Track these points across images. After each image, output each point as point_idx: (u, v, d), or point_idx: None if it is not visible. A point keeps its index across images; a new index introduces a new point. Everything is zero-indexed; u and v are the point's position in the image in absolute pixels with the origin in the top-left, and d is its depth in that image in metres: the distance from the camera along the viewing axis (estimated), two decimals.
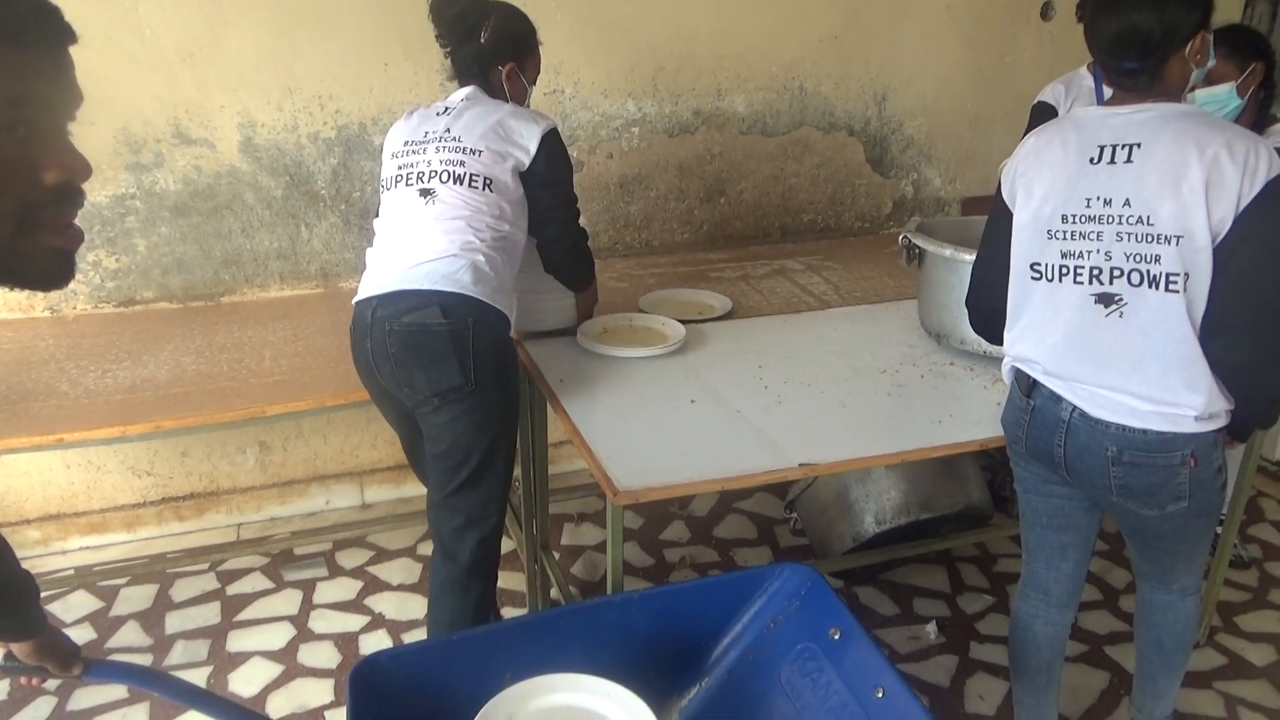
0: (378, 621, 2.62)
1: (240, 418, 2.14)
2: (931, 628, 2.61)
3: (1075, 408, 1.73)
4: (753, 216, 3.46)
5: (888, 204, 3.62)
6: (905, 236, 2.42)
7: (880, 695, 1.51)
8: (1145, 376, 1.63)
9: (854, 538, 2.59)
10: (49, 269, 0.78)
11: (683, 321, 2.51)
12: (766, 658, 1.73)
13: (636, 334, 2.46)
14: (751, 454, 1.88)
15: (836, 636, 1.64)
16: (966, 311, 2.02)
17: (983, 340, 2.29)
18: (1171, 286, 1.57)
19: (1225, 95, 2.24)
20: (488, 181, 2.00)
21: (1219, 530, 2.87)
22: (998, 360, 2.18)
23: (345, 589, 2.74)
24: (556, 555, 2.97)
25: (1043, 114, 2.60)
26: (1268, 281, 1.56)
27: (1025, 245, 1.76)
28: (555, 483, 3.20)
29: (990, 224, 1.87)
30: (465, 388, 1.91)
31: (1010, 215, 1.78)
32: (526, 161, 2.04)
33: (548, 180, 2.08)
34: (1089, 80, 2.59)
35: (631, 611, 1.75)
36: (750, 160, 3.38)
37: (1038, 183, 1.72)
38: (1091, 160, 1.65)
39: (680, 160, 3.29)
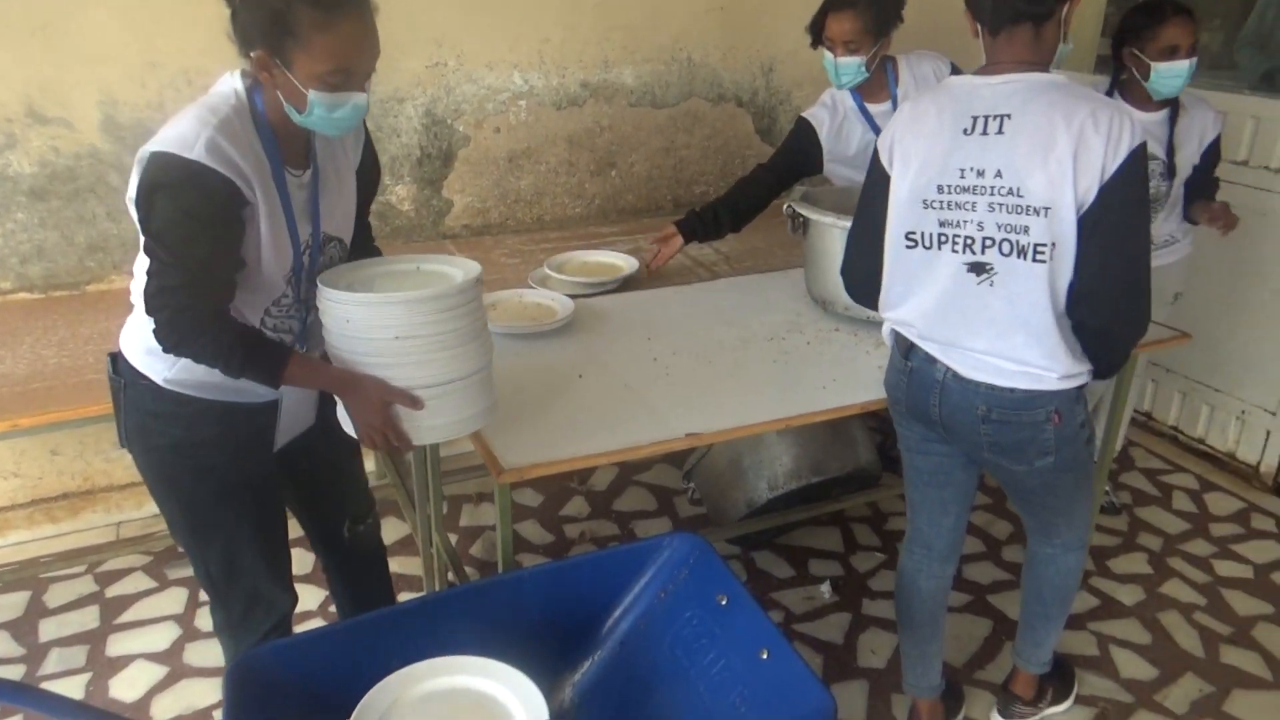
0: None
1: (107, 411, 2.03)
2: (825, 587, 2.68)
3: (949, 369, 1.78)
4: (645, 189, 3.45)
5: None
6: (789, 206, 2.45)
7: (765, 656, 1.54)
8: (1011, 342, 1.70)
9: (748, 504, 2.63)
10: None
11: (573, 296, 2.50)
12: (657, 627, 1.74)
13: (526, 310, 2.43)
14: (638, 426, 1.88)
15: (724, 603, 1.66)
16: (842, 277, 2.05)
17: (866, 307, 2.36)
18: (1039, 257, 1.63)
19: (1187, 69, 2.39)
20: None
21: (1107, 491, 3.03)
22: (880, 325, 2.24)
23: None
24: (455, 537, 2.94)
25: (805, 132, 2.67)
26: (1131, 249, 1.63)
27: (902, 214, 1.79)
28: (452, 464, 3.16)
29: (866, 190, 1.89)
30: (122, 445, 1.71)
31: (887, 181, 1.81)
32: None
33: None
34: (849, 99, 2.65)
35: (522, 590, 1.74)
36: (640, 132, 3.37)
37: (914, 152, 1.75)
38: (965, 131, 1.68)
39: (570, 133, 3.25)
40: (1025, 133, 1.60)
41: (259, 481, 1.74)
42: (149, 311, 1.47)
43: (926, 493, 2.04)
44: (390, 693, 1.38)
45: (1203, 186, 2.65)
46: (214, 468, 1.67)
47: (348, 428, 1.68)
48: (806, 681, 1.46)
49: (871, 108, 2.64)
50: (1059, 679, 2.26)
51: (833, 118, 2.67)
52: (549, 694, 1.76)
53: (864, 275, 1.92)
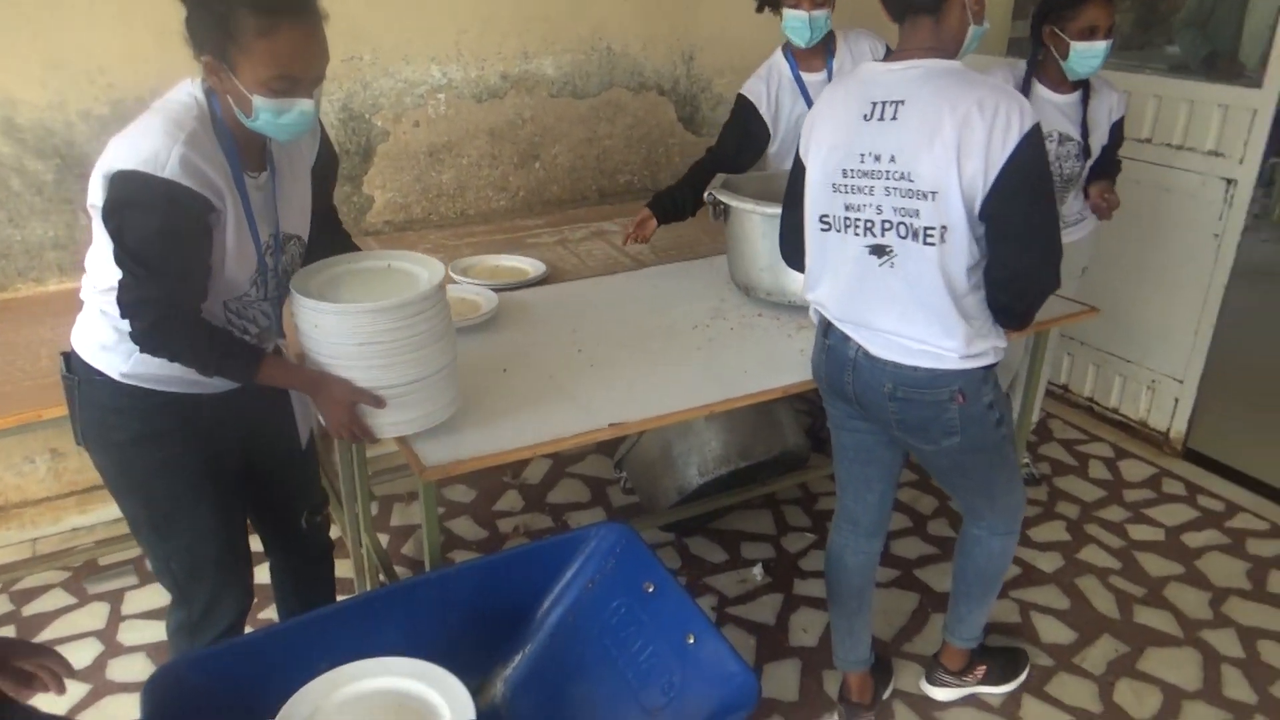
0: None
1: (12, 424, 1.97)
2: (757, 570, 2.72)
3: (860, 347, 1.83)
4: (569, 180, 3.45)
5: None
6: (710, 193, 2.47)
7: (691, 641, 1.57)
8: (912, 322, 1.74)
9: (679, 491, 2.66)
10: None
11: (497, 290, 2.49)
12: (586, 617, 1.76)
13: (450, 305, 2.41)
14: (563, 418, 1.89)
15: (650, 590, 1.68)
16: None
17: (787, 291, 2.40)
18: (929, 240, 1.67)
19: (1104, 49, 2.44)
20: None
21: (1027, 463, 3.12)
22: (803, 310, 2.28)
23: (158, 596, 2.59)
24: (387, 538, 2.92)
25: (744, 108, 2.71)
26: (1039, 233, 1.68)
27: (816, 197, 1.83)
28: (382, 463, 3.13)
29: (791, 172, 1.94)
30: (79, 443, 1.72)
31: (804, 169, 1.85)
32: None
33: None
34: (786, 68, 2.70)
35: (450, 587, 1.74)
36: (562, 123, 3.36)
37: (825, 137, 1.79)
38: (865, 116, 1.72)
39: (491, 126, 3.23)
40: (915, 118, 1.64)
41: (222, 473, 1.76)
42: (127, 317, 1.50)
43: (852, 469, 2.08)
44: (313, 698, 1.37)
45: (1107, 166, 2.74)
46: (176, 459, 1.69)
47: (306, 432, 1.79)
48: (731, 664, 1.49)
49: (807, 77, 2.68)
50: (1002, 663, 2.31)
51: (769, 89, 2.70)
52: (481, 688, 1.78)
53: (795, 255, 1.97)
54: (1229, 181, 3.09)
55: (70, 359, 1.67)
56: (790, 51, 2.70)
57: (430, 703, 1.39)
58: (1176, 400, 3.36)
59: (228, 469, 1.78)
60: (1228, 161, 3.09)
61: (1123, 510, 3.04)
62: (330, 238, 1.88)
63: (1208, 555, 2.81)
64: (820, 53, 2.67)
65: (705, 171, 2.66)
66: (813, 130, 1.84)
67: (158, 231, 1.44)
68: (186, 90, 1.54)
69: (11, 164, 2.59)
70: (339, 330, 1.63)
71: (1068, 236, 2.78)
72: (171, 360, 1.56)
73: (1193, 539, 2.89)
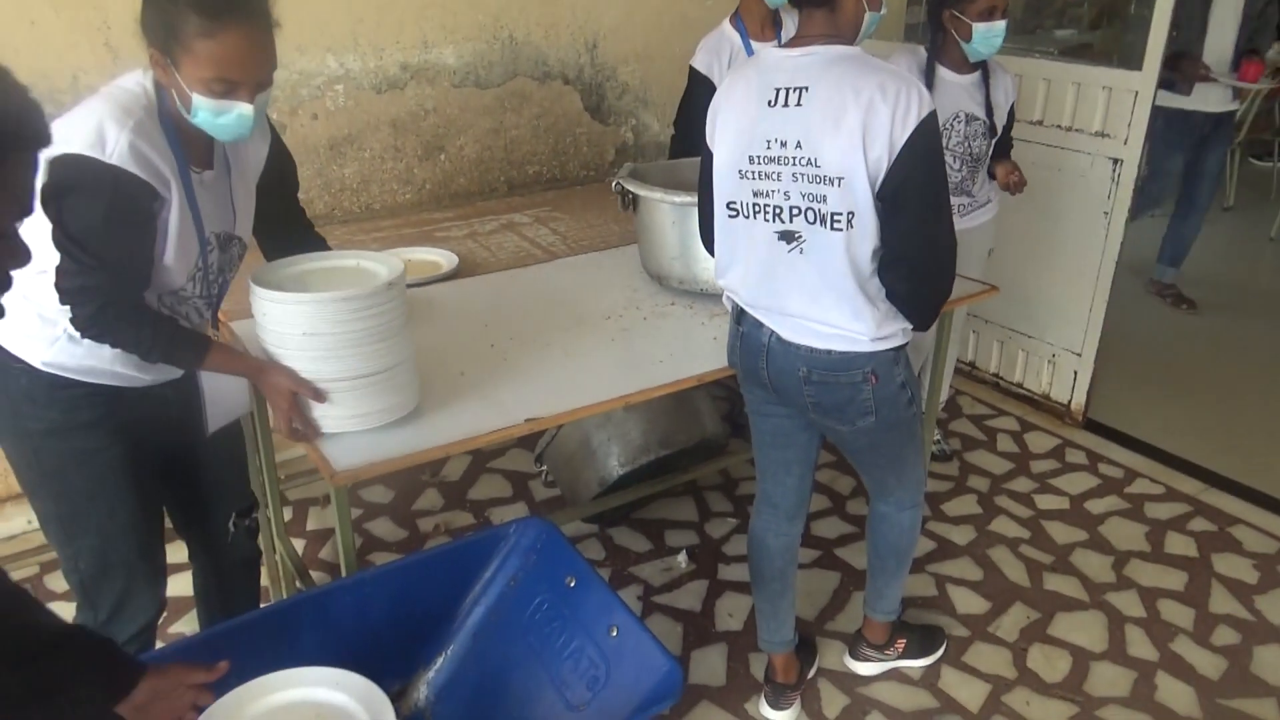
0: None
1: None
2: (681, 557, 2.73)
3: (773, 332, 1.84)
4: (476, 172, 3.39)
5: (610, 151, 3.66)
6: (618, 182, 2.45)
7: (614, 634, 1.56)
8: (822, 306, 1.76)
9: (600, 482, 2.64)
10: None
11: (411, 285, 2.42)
12: (509, 615, 1.73)
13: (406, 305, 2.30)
14: (477, 415, 1.85)
15: (572, 584, 1.67)
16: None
17: (699, 279, 2.40)
18: (836, 225, 1.69)
19: (1003, 29, 2.50)
20: None
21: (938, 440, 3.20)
22: (715, 297, 2.28)
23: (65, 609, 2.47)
24: (304, 542, 2.83)
25: (699, 82, 2.72)
26: (930, 216, 1.71)
27: (722, 184, 1.83)
28: (294, 467, 3.04)
29: (700, 164, 1.93)
30: None
31: (712, 156, 1.85)
32: None
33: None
34: (736, 37, 2.72)
35: (367, 591, 1.70)
36: (467, 114, 3.29)
37: (730, 124, 1.79)
38: (769, 103, 1.72)
39: (393, 117, 3.15)
40: (819, 104, 1.65)
41: (140, 470, 1.71)
42: (68, 303, 1.48)
43: (770, 454, 2.10)
44: (224, 713, 1.31)
45: (1002, 146, 2.82)
46: (94, 452, 1.64)
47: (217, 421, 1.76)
48: (655, 655, 1.49)
49: (759, 46, 2.69)
50: (920, 637, 2.36)
51: (720, 61, 2.71)
52: (403, 692, 1.74)
53: (710, 243, 1.96)
54: (1116, 161, 3.22)
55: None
56: (741, 20, 2.71)
57: (349, 712, 1.35)
58: (1076, 373, 3.49)
59: (146, 466, 1.74)
60: (1114, 142, 3.21)
61: (1030, 481, 3.14)
62: (299, 237, 1.91)
63: (1109, 520, 2.93)
64: (769, 21, 2.70)
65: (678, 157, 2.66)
66: (717, 117, 1.83)
67: (103, 218, 1.43)
68: (136, 80, 1.53)
69: None
70: (283, 319, 1.63)
71: (976, 219, 2.87)
72: (114, 346, 1.56)
73: (1095, 505, 3.01)
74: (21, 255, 0.94)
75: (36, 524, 1.76)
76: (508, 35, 3.28)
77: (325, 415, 1.70)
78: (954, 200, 2.74)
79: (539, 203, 3.34)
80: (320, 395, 1.66)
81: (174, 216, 1.53)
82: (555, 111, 3.48)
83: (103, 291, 1.47)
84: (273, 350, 1.67)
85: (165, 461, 1.80)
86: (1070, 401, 3.53)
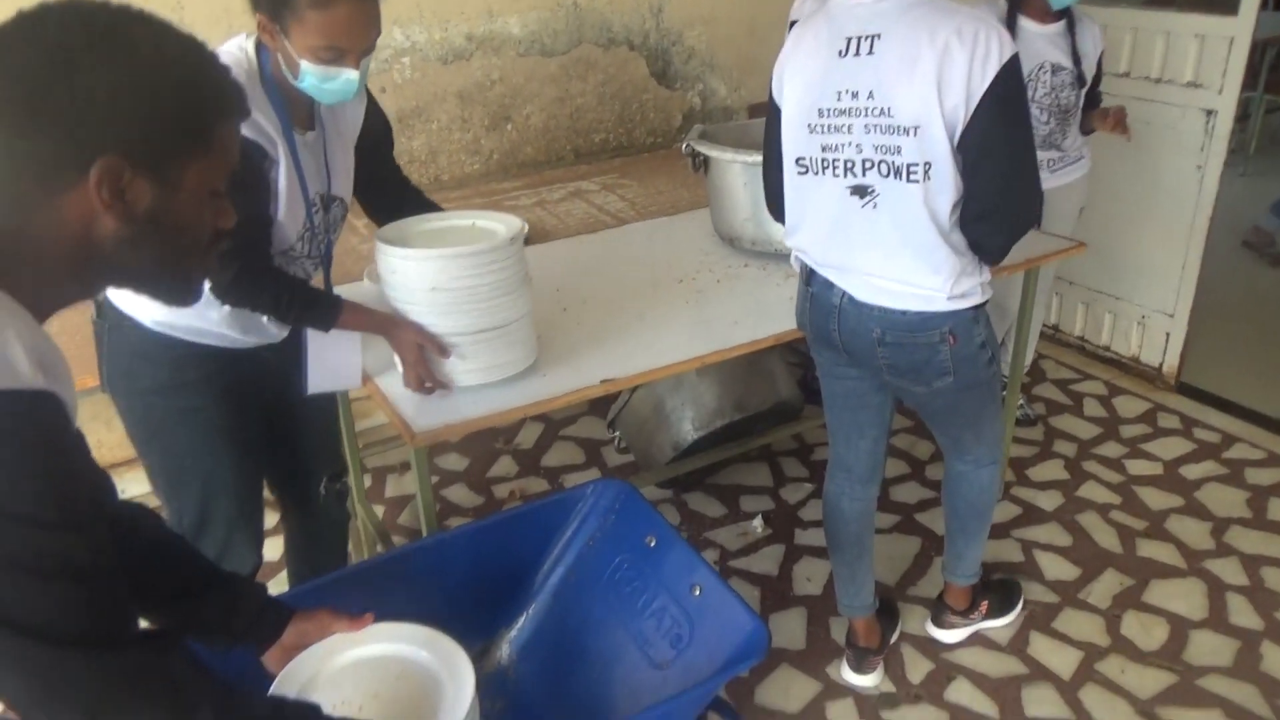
0: None
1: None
2: (757, 522, 2.69)
3: (845, 293, 1.79)
4: (543, 141, 3.38)
5: (677, 116, 3.61)
6: (688, 144, 2.42)
7: (697, 593, 1.54)
8: (898, 263, 1.71)
9: (674, 446, 2.62)
10: (194, 290, 1.00)
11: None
12: (589, 575, 1.72)
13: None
14: (553, 377, 1.84)
15: (652, 544, 1.64)
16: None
17: (772, 240, 2.35)
18: (912, 177, 1.63)
19: None
20: None
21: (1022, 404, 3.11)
22: (788, 258, 2.23)
23: None
24: (382, 509, 2.88)
25: None
26: (1017, 165, 1.64)
27: (791, 140, 1.79)
28: (373, 435, 3.08)
29: (766, 121, 1.89)
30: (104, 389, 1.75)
31: (779, 111, 1.80)
32: None
33: None
34: None
35: (447, 552, 1.70)
36: (533, 83, 3.28)
37: (798, 77, 1.74)
38: (840, 53, 1.67)
39: (459, 88, 3.15)
40: (892, 51, 1.59)
41: (243, 430, 1.76)
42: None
43: (842, 417, 2.05)
44: (313, 662, 1.32)
45: (1092, 98, 2.70)
46: (199, 410, 1.70)
47: (318, 385, 1.79)
48: (740, 613, 1.46)
49: None
50: (1000, 595, 2.30)
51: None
52: (486, 651, 1.74)
53: (776, 203, 1.92)
54: (1209, 113, 3.06)
55: (101, 305, 1.66)
56: None
57: (430, 670, 1.35)
58: (1168, 335, 3.35)
59: (250, 427, 1.79)
60: (1207, 92, 3.05)
61: (1120, 446, 3.03)
62: (404, 197, 1.95)
63: (1207, 486, 2.81)
64: None
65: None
66: (784, 71, 1.78)
67: (230, 182, 1.46)
68: (237, 44, 1.57)
69: None
70: (412, 275, 1.69)
71: (1066, 176, 2.75)
72: (254, 310, 1.61)
73: (1191, 471, 2.89)
74: (229, 215, 0.98)
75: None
76: (572, 2, 3.25)
77: (456, 370, 1.75)
78: (1043, 155, 2.64)
79: (606, 170, 3.32)
80: (445, 350, 1.70)
81: (282, 176, 1.57)
82: (621, 78, 3.45)
83: (236, 256, 1.50)
84: (400, 306, 1.73)
85: (265, 424, 1.84)
86: (1162, 364, 3.38)
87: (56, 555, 0.81)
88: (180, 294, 0.99)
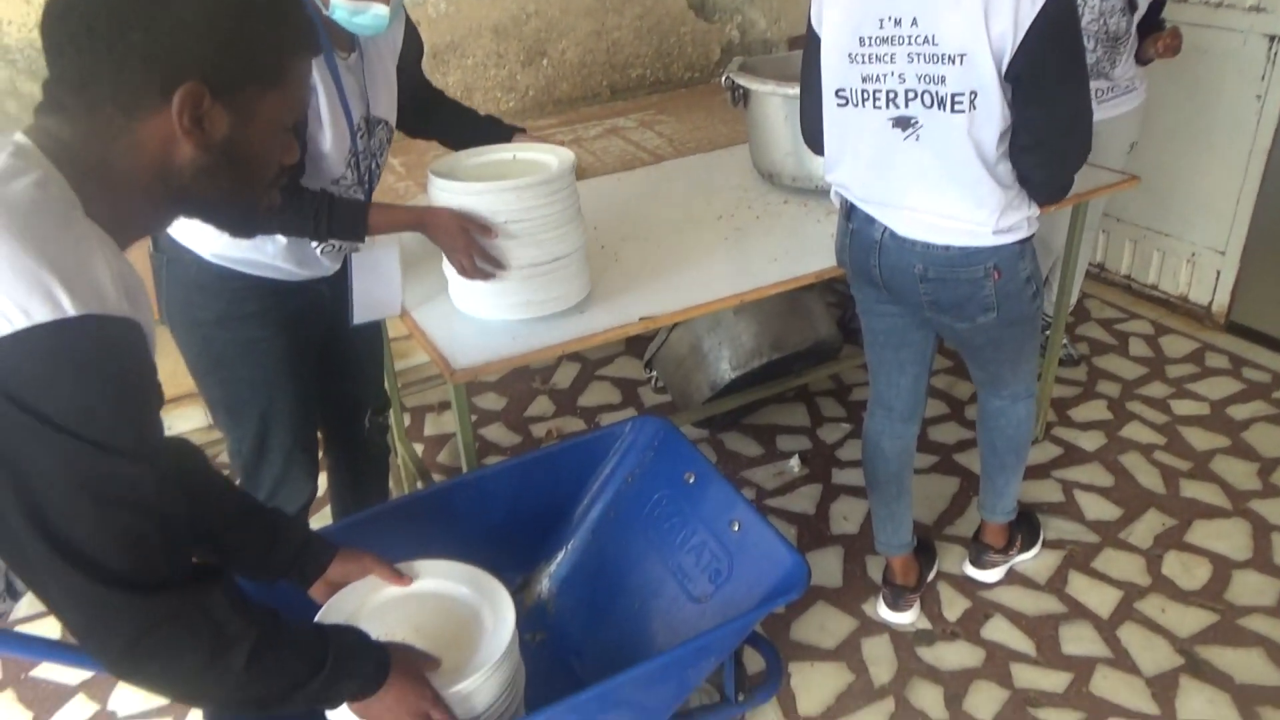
0: None
1: None
2: (794, 462, 2.69)
3: (886, 228, 1.76)
4: (579, 77, 3.32)
5: (715, 50, 3.53)
6: (728, 77, 2.37)
7: (736, 528, 1.54)
8: (942, 196, 1.67)
9: (711, 386, 2.62)
10: (259, 221, 1.09)
11: None
12: (628, 511, 1.74)
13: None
14: (591, 314, 1.84)
15: (691, 480, 1.65)
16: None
17: (813, 175, 2.30)
18: (957, 107, 1.58)
19: None
20: None
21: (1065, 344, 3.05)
22: (828, 194, 2.19)
23: None
24: (421, 447, 2.91)
25: None
26: (1069, 99, 1.59)
27: (831, 71, 1.74)
28: (411, 375, 3.11)
29: (805, 52, 1.84)
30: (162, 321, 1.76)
31: (819, 40, 1.75)
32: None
33: None
34: None
35: (487, 488, 1.72)
36: (568, 16, 3.22)
37: (838, 4, 1.69)
38: None
39: (494, 23, 3.10)
40: None
41: (300, 362, 1.79)
42: None
43: (883, 354, 2.03)
44: (355, 598, 1.35)
45: (1151, 27, 2.60)
46: (257, 342, 1.71)
47: (363, 315, 1.81)
48: (779, 549, 1.47)
49: None
50: (1026, 528, 2.31)
51: None
52: (525, 585, 1.77)
53: (814, 137, 1.88)
54: (1271, 39, 2.93)
55: (158, 238, 1.67)
56: None
57: (472, 605, 1.37)
58: (1218, 273, 3.26)
59: (306, 360, 1.81)
60: (1270, 17, 2.92)
61: (1165, 386, 2.97)
62: (439, 110, 1.97)
63: (1255, 426, 2.75)
64: None
65: None
66: (824, 3, 1.73)
67: None
68: None
69: (4, 87, 2.51)
70: (480, 210, 1.68)
71: (1117, 107, 2.65)
72: (284, 234, 1.61)
73: (1238, 411, 2.83)
74: (294, 151, 1.01)
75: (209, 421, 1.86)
76: None
77: (501, 303, 1.76)
78: (1093, 84, 2.55)
79: (643, 106, 3.27)
80: (488, 229, 1.68)
81: (324, 101, 1.55)
82: (658, 11, 3.37)
83: None
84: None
85: (319, 357, 1.87)
86: (1211, 303, 3.30)
87: (125, 484, 0.83)
88: (245, 225, 1.04)
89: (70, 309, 0.76)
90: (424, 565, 1.42)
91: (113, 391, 0.80)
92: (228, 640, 0.93)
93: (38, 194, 0.82)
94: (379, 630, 1.27)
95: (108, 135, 0.87)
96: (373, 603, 1.36)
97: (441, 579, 1.41)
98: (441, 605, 1.38)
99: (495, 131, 1.97)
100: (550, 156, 1.81)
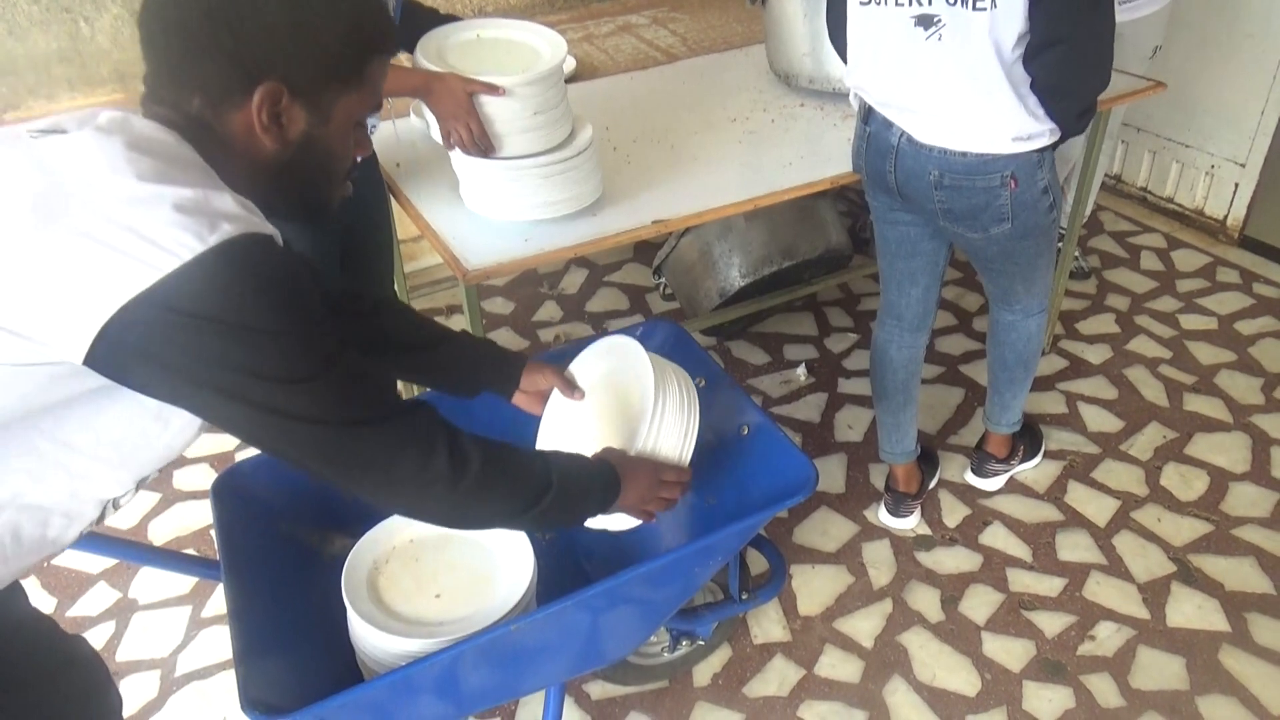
0: None
1: None
2: (800, 370, 2.71)
3: (903, 133, 1.73)
4: None
5: None
6: None
7: (745, 433, 1.56)
8: (962, 99, 1.63)
9: (720, 293, 2.61)
10: (331, 211, 1.07)
11: None
12: None
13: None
14: (603, 217, 1.82)
15: (702, 385, 1.66)
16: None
17: (830, 77, 2.25)
18: (979, 4, 1.53)
19: None
20: None
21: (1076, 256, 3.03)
22: (845, 97, 2.14)
23: None
24: None
25: None
26: (1090, 8, 1.54)
27: None
28: (418, 278, 3.10)
29: None
30: None
31: None
32: None
33: None
34: None
35: None
36: None
37: None
38: None
39: None
40: None
41: (322, 255, 1.77)
42: None
43: (895, 263, 2.02)
44: (384, 539, 1.46)
45: None
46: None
47: None
48: (788, 453, 1.49)
49: None
50: (1028, 438, 2.33)
51: None
52: None
53: (839, 39, 1.83)
54: None
55: None
56: None
57: (492, 546, 1.49)
58: (1236, 186, 3.21)
59: (328, 252, 1.80)
60: None
61: (1174, 300, 2.96)
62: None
63: (1261, 342, 2.76)
64: None
65: None
66: None
67: None
68: None
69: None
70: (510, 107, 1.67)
71: (1141, 8, 2.57)
72: None
73: (1246, 326, 2.83)
74: (367, 145, 1.08)
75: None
76: None
77: (514, 204, 1.74)
78: None
79: (656, 3, 3.17)
80: (495, 88, 1.65)
81: None
82: None
83: None
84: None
85: (338, 251, 1.86)
86: (1226, 217, 3.26)
87: (331, 346, 0.91)
88: (319, 214, 1.07)
89: (232, 230, 0.82)
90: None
91: (290, 287, 0.87)
92: (463, 453, 1.01)
93: (180, 146, 0.90)
94: (406, 571, 1.46)
95: (202, 124, 0.93)
96: (404, 538, 1.50)
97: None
98: (467, 546, 1.51)
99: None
100: (523, 34, 1.77)
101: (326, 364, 0.90)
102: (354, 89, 0.98)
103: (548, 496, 1.12)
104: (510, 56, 1.77)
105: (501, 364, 1.46)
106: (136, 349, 0.80)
